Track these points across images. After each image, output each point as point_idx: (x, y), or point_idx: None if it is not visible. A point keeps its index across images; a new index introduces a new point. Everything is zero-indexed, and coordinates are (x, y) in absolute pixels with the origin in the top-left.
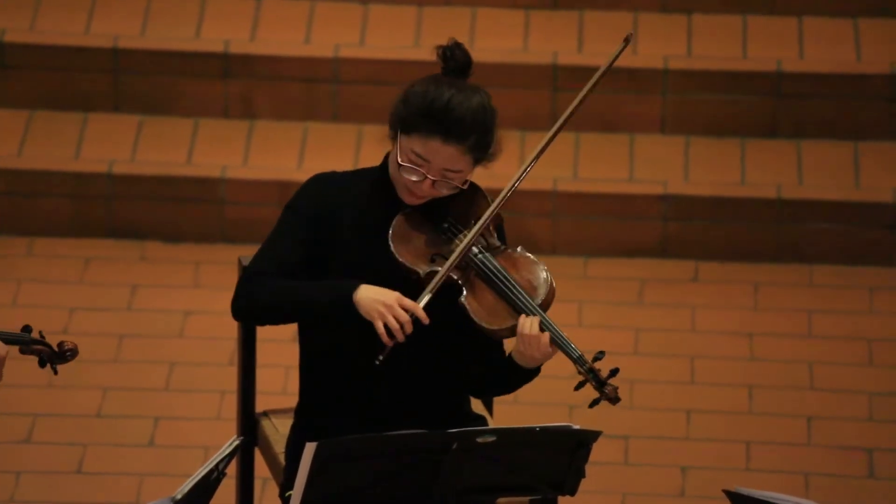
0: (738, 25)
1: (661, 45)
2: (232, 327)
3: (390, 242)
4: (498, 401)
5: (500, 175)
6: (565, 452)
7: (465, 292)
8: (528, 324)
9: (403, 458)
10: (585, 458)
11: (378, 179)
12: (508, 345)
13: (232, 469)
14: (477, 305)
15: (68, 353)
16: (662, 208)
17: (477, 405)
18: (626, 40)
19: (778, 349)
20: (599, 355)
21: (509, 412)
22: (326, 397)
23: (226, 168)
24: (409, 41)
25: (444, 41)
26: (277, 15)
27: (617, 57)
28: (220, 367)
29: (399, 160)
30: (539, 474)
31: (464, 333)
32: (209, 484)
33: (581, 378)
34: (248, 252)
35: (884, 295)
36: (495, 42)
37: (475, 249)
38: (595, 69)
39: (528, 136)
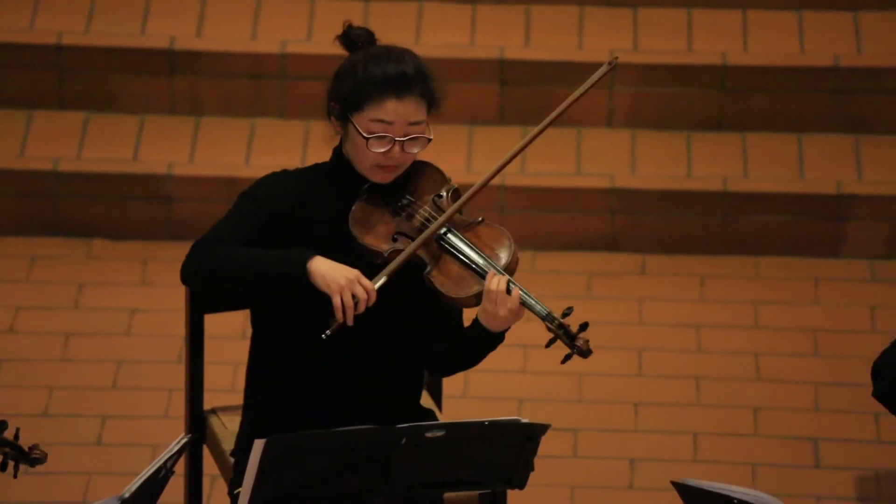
0: (682, 19)
1: (606, 38)
2: (179, 325)
3: (351, 228)
4: (447, 395)
5: (452, 171)
6: (514, 446)
7: (429, 267)
8: (495, 281)
9: (353, 453)
10: (534, 452)
11: (333, 173)
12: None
13: (180, 467)
14: (443, 277)
15: (34, 458)
16: (610, 202)
17: (426, 399)
18: (611, 63)
19: (725, 341)
20: (568, 311)
21: (458, 406)
22: (275, 393)
23: (172, 165)
24: None
25: (391, 37)
26: (223, 10)
27: (600, 78)
28: (167, 365)
29: (365, 135)
30: (488, 468)
31: (421, 315)
32: (157, 482)
33: (551, 335)
34: None
35: (828, 286)
36: (442, 37)
37: (436, 225)
38: (542, 63)
39: (475, 131)
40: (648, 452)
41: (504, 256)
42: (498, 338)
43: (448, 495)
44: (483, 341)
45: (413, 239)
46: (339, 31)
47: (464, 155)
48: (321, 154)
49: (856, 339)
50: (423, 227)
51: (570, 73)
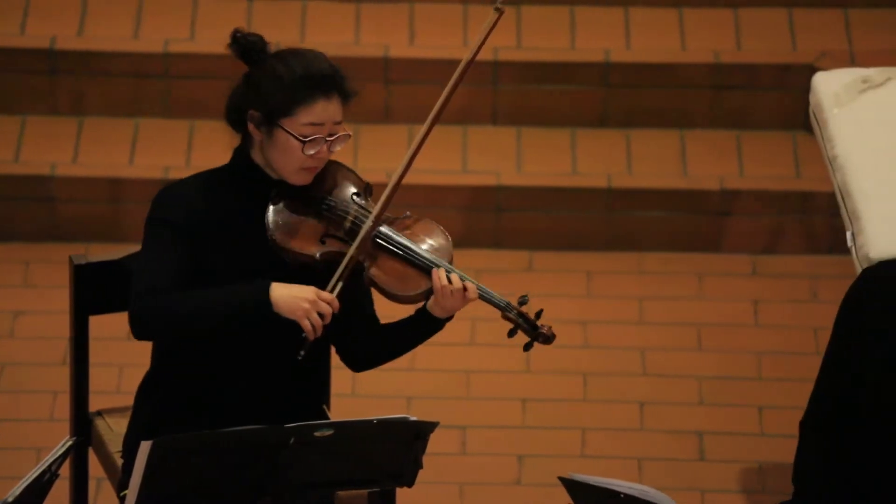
0: (565, 17)
1: (491, 36)
2: (63, 327)
3: (273, 235)
4: (335, 393)
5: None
6: (403, 444)
7: (368, 267)
8: (450, 277)
9: (241, 453)
10: (423, 449)
11: (236, 175)
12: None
13: (65, 470)
14: (386, 276)
15: None
16: (496, 199)
17: None
18: (498, 10)
19: (611, 336)
20: (524, 299)
21: (347, 405)
22: (179, 397)
23: (55, 165)
24: None
25: (273, 35)
26: (105, 9)
27: (492, 28)
28: (52, 367)
29: (301, 139)
30: (377, 466)
31: (349, 315)
32: (42, 485)
33: (511, 325)
34: (79, 250)
35: (711, 281)
36: (326, 35)
37: (369, 223)
38: (426, 61)
39: (361, 129)
40: (536, 448)
41: (445, 249)
42: (446, 321)
43: (338, 494)
44: (429, 327)
45: (343, 239)
46: (222, 29)
47: (350, 153)
48: (205, 154)
49: (738, 332)
50: (355, 226)
51: (455, 71)
